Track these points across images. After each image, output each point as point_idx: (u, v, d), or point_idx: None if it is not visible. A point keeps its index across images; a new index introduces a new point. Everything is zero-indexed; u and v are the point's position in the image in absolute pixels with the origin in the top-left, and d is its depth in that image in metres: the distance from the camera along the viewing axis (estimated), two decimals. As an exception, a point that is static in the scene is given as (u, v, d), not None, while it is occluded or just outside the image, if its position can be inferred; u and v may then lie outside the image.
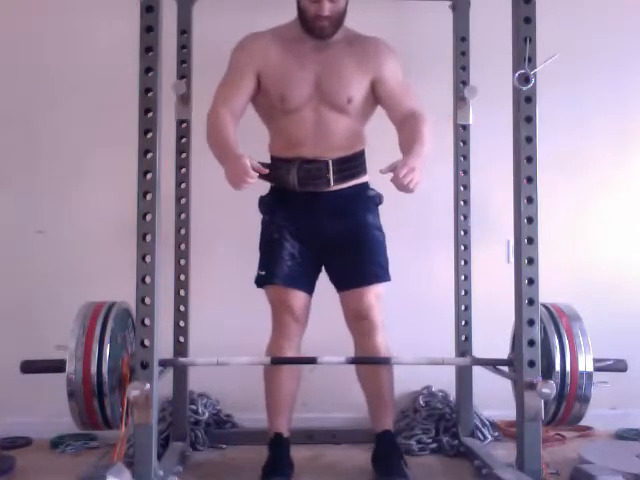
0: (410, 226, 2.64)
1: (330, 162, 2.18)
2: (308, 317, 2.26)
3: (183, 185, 2.53)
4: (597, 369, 2.05)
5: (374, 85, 2.22)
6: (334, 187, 2.21)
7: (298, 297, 2.22)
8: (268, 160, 2.23)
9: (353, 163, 2.24)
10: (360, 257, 2.22)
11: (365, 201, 2.28)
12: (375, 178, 2.29)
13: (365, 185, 2.29)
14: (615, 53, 2.86)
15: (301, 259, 2.22)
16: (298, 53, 2.21)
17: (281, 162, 2.20)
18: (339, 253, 2.22)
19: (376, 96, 2.24)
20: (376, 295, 2.23)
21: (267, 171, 2.03)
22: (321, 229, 2.21)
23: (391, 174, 2.00)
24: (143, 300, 1.89)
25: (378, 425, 2.28)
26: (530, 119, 1.94)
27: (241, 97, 2.20)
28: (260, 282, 2.25)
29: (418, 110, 2.20)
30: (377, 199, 2.30)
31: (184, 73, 2.53)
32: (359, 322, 2.23)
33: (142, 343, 1.89)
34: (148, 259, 1.89)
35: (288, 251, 2.21)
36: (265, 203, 2.31)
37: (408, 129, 2.16)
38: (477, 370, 2.49)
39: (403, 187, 1.98)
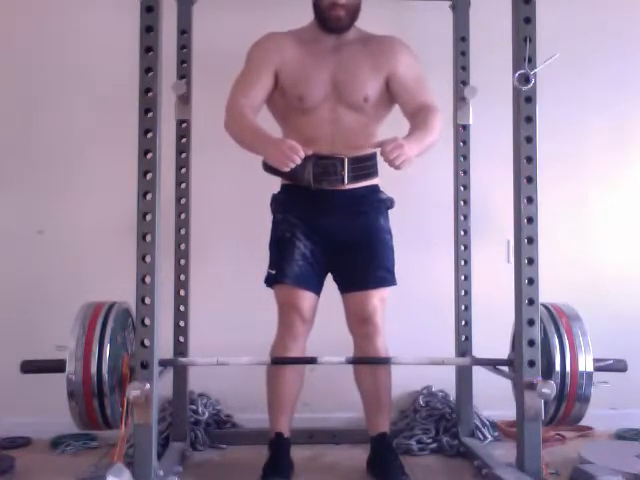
0: (410, 226, 2.64)
1: (346, 159, 2.18)
2: (315, 317, 2.25)
3: (183, 185, 2.53)
4: (597, 369, 2.05)
5: (389, 82, 2.23)
6: (348, 186, 2.20)
7: (307, 298, 2.21)
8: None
9: (367, 163, 2.23)
10: (369, 260, 2.22)
11: (377, 203, 2.28)
12: (383, 182, 2.30)
13: (377, 187, 2.29)
14: (615, 53, 2.85)
15: (312, 259, 2.21)
16: (314, 53, 2.21)
17: None
18: (348, 254, 2.22)
19: (391, 93, 2.24)
20: (381, 299, 2.23)
21: (310, 151, 2.04)
22: (333, 229, 2.21)
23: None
24: (143, 300, 1.89)
25: (374, 428, 2.27)
26: (530, 119, 1.94)
27: (259, 92, 2.19)
28: (270, 281, 2.24)
29: (430, 104, 2.20)
30: (389, 202, 2.31)
31: (184, 73, 2.53)
32: (362, 325, 2.23)
33: (142, 343, 1.89)
34: (148, 259, 1.89)
35: (300, 251, 2.20)
36: (278, 202, 2.29)
37: (416, 120, 2.16)
38: (477, 370, 2.49)
39: (389, 161, 1.99)
